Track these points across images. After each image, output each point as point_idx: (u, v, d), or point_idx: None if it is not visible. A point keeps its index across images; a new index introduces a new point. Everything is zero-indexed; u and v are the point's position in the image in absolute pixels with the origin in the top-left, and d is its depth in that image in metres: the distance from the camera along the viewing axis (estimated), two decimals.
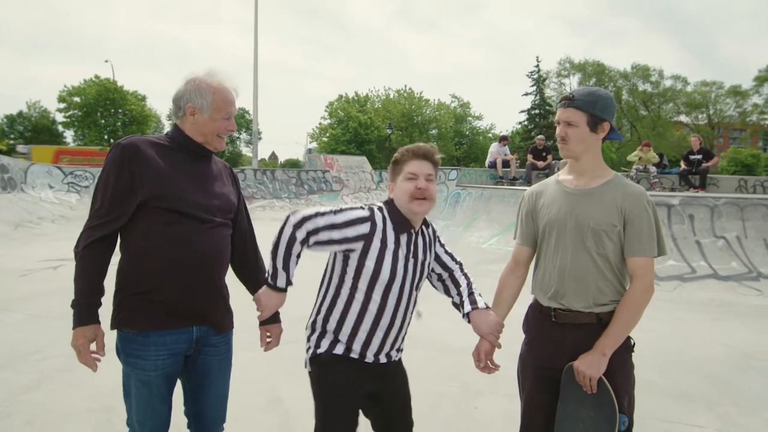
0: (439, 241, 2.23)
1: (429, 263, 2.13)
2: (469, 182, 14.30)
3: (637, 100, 47.67)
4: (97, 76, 37.07)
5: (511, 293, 2.27)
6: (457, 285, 2.20)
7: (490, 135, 48.16)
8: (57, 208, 14.92)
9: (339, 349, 1.98)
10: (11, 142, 35.63)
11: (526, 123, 45.28)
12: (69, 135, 39.63)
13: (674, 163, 16.54)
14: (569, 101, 2.01)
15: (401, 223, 1.99)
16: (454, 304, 2.20)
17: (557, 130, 2.07)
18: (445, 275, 2.23)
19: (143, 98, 39.64)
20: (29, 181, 15.57)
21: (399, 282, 1.97)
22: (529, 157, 13.80)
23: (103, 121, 36.98)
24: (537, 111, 44.65)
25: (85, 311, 1.84)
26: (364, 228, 1.92)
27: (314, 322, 2.05)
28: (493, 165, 14.36)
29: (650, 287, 1.94)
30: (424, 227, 2.11)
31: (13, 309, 5.68)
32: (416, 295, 2.08)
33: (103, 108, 36.49)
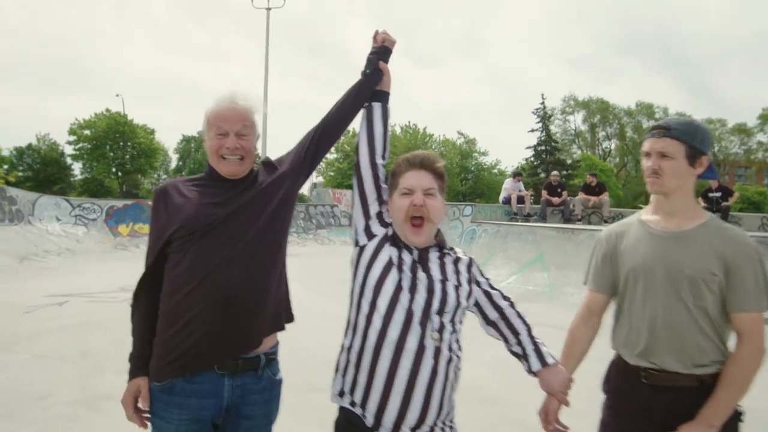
0: (480, 271, 1.89)
1: (458, 287, 1.75)
2: (484, 218, 14.10)
3: (641, 138, 48.00)
4: (108, 110, 37.53)
5: (583, 346, 2.03)
6: (515, 332, 1.86)
7: (495, 171, 48.23)
8: (64, 241, 14.73)
9: (345, 401, 1.72)
10: (20, 174, 35.76)
11: (532, 159, 45.39)
12: (77, 167, 39.87)
13: None
14: (665, 130, 1.78)
15: (402, 241, 1.77)
16: (515, 353, 1.90)
17: (647, 162, 1.82)
18: (494, 316, 1.86)
19: (152, 132, 39.98)
20: (37, 213, 15.44)
21: (407, 299, 1.65)
22: (544, 193, 13.64)
23: (111, 154, 37.17)
24: (543, 147, 44.78)
25: (132, 366, 1.80)
26: (381, 231, 1.84)
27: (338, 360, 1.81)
28: (507, 201, 14.19)
29: (762, 348, 1.69)
30: (442, 248, 1.82)
31: (17, 349, 5.39)
32: (450, 339, 1.70)
33: (112, 141, 36.73)
